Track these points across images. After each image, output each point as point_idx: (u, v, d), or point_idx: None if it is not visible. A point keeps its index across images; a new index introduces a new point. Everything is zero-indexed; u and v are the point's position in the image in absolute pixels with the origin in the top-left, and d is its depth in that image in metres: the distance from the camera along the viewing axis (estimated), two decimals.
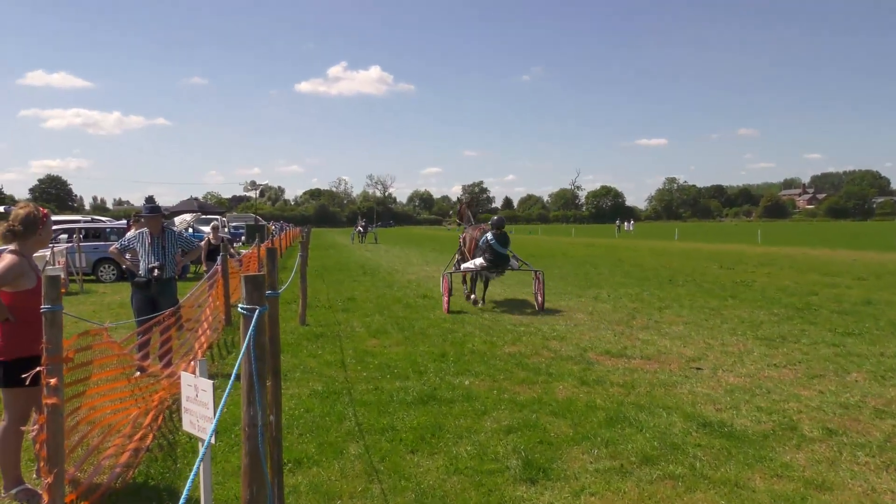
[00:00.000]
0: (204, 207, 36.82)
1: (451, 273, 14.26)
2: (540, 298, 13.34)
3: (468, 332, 10.82)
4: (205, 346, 8.94)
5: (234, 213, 77.90)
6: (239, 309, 3.10)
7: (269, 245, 25.30)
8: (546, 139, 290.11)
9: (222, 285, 11.61)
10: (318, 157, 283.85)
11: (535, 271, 13.93)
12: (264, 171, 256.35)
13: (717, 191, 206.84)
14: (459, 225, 17.11)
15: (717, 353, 9.22)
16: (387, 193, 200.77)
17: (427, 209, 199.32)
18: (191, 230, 28.30)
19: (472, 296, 14.28)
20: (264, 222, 59.18)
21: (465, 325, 11.51)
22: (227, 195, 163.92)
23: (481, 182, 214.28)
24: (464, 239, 15.19)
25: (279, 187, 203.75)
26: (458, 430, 5.99)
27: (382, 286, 18.03)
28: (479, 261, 13.90)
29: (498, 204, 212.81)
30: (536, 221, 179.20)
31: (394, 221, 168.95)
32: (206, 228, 18.87)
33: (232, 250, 17.41)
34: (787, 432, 5.97)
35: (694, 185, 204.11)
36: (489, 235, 13.70)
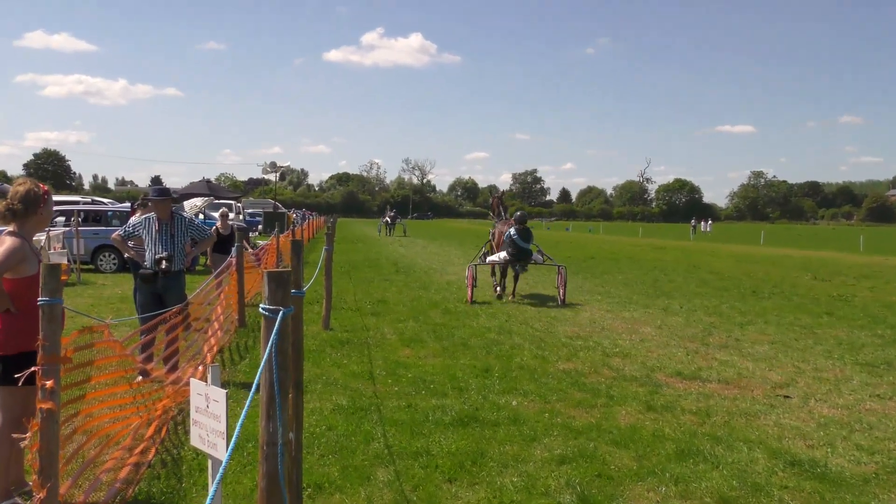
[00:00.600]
0: (216, 191, 37.40)
1: (475, 265, 17.09)
2: (562, 292, 15.87)
3: (516, 345, 10.82)
4: (215, 349, 9.08)
5: (250, 199, 78.88)
6: (260, 309, 3.13)
7: (290, 236, 25.58)
8: (612, 123, 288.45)
9: (236, 281, 11.77)
10: (347, 136, 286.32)
11: (559, 266, 16.67)
12: (286, 151, 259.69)
13: (812, 188, 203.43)
14: (491, 218, 19.93)
15: (809, 380, 9.06)
16: (425, 180, 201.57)
17: (471, 200, 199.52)
18: (201, 216, 28.74)
19: (499, 289, 16.71)
20: (284, 210, 59.86)
21: (512, 336, 11.51)
22: (242, 177, 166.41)
23: (534, 171, 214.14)
24: (493, 233, 18.09)
25: (302, 170, 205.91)
26: (503, 458, 5.98)
27: (418, 287, 18.13)
28: (503, 254, 16.53)
29: (553, 196, 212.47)
30: (598, 218, 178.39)
31: (432, 213, 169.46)
32: (216, 215, 19.14)
33: (247, 242, 17.60)
34: (893, 476, 5.84)
35: (784, 181, 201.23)
36: (512, 230, 16.30)
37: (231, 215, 24.34)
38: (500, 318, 13.35)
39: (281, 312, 3.07)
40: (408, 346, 10.53)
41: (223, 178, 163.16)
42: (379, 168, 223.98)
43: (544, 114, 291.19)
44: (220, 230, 15.77)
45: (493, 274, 17.66)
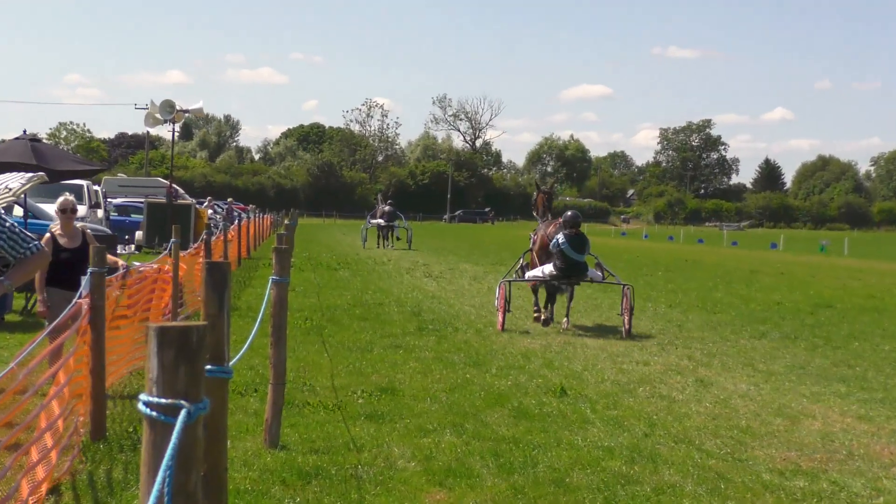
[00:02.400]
0: (51, 159, 37.15)
1: (510, 282, 23.61)
2: (627, 321, 21.89)
3: (667, 485, 10.80)
4: (44, 486, 9.13)
5: (122, 176, 79.44)
6: (140, 406, 3.14)
7: (203, 254, 25.68)
8: (866, 21, 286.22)
9: (90, 345, 11.82)
10: (322, 51, 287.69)
11: (624, 285, 22.49)
12: (195, 80, 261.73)
13: None
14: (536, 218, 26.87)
15: None
16: (479, 142, 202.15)
17: (574, 182, 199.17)
18: (19, 211, 29.05)
19: (542, 315, 23.14)
20: (191, 200, 60.24)
21: (657, 466, 11.47)
22: (105, 132, 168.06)
23: (707, 123, 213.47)
24: (534, 239, 24.73)
25: (228, 120, 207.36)
26: None
27: (463, 363, 18.12)
28: (547, 268, 22.72)
29: (744, 175, 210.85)
30: (839, 223, 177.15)
31: (493, 210, 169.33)
32: (53, 209, 19.18)
33: (117, 259, 17.71)
34: None
35: None
36: (560, 237, 22.11)
37: (81, 210, 24.42)
38: (632, 429, 13.26)
39: (183, 412, 3.08)
40: (441, 485, 10.55)
41: (67, 134, 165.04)
42: (385, 116, 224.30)
43: (722, 9, 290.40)
44: (60, 239, 15.94)
45: (536, 293, 24.30)
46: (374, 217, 63.19)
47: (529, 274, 23.53)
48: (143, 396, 3.19)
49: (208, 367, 3.87)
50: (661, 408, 14.89)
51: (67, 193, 18.21)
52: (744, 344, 21.76)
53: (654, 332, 22.36)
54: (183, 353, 3.17)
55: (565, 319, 22.87)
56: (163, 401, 3.15)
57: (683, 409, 14.82)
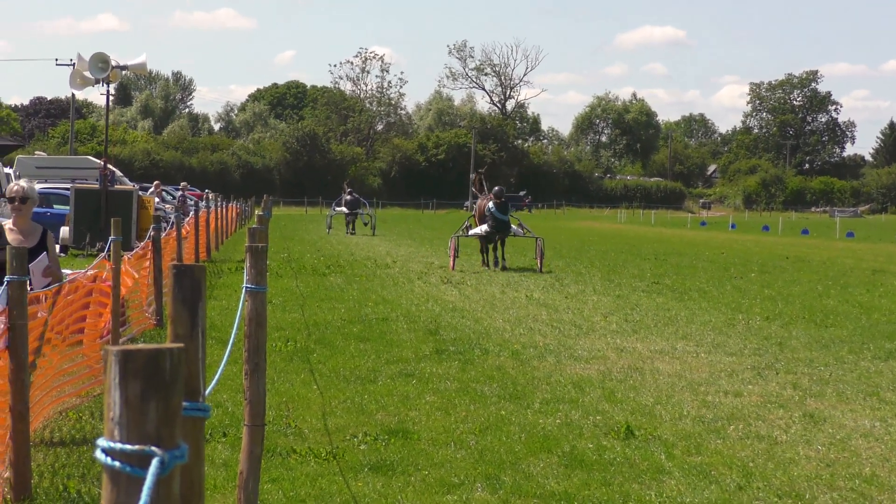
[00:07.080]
0: None
1: (458, 236, 50.20)
2: (539, 263, 47.31)
3: None
4: None
5: (40, 154, 79.52)
6: (97, 454, 3.14)
7: (150, 256, 25.74)
8: None
9: (8, 378, 11.88)
10: None
11: (537, 238, 48.36)
12: (134, 26, 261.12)
13: None
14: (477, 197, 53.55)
15: None
16: (511, 102, 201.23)
17: (636, 154, 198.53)
18: None
19: (485, 265, 48.38)
20: (132, 185, 60.26)
21: None
22: (18, 98, 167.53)
23: (813, 75, 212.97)
24: (475, 208, 52.93)
25: (175, 77, 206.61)
26: None
27: (496, 396, 18.01)
28: (483, 227, 47.23)
29: (862, 144, 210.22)
30: None
31: (529, 194, 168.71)
32: None
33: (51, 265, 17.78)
34: None
35: None
36: (490, 204, 46.45)
37: None
38: (721, 480, 13.15)
39: (155, 461, 3.04)
40: None
41: None
42: (385, 71, 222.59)
43: None
44: (9, 235, 15.99)
45: (484, 252, 47.72)
46: (338, 205, 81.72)
47: (472, 231, 47.89)
48: (101, 442, 3.06)
49: (186, 403, 3.90)
50: (758, 452, 14.80)
51: (22, 179, 18.05)
52: (865, 367, 21.60)
53: (747, 353, 22.23)
54: (154, 384, 3.04)
55: (502, 261, 46.64)
56: (128, 447, 3.02)
57: (788, 454, 14.73)
